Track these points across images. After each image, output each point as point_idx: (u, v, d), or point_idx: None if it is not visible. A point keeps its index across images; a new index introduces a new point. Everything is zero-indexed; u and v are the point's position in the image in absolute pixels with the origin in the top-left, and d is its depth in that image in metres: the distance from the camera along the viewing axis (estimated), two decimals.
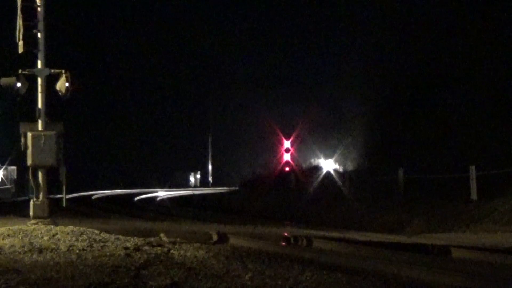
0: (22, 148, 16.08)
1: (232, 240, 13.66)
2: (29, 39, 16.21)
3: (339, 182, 31.78)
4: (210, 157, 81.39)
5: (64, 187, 16.35)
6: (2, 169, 47.63)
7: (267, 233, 16.60)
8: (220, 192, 50.71)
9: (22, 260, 10.03)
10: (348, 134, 36.74)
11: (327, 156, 37.93)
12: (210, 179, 79.55)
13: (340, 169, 35.40)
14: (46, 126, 16.11)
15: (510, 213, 18.05)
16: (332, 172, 35.00)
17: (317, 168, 36.54)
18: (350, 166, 34.89)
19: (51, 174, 16.50)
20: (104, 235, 13.21)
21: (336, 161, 37.19)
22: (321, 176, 34.42)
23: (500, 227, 17.23)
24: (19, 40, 16.19)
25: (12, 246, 11.45)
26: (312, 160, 39.09)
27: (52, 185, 16.82)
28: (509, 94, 26.55)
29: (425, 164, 27.49)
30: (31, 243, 11.74)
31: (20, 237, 12.69)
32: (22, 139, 16.00)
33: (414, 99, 31.99)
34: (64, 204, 16.50)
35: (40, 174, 16.14)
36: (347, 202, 27.33)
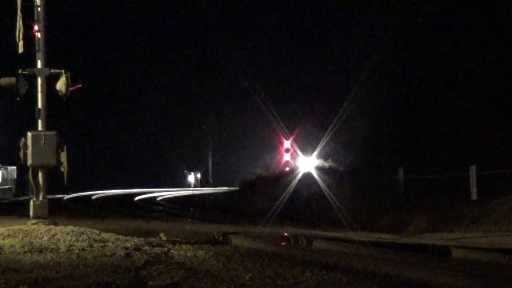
0: (22, 161, 16.03)
1: (232, 240, 13.66)
2: (29, 39, 16.21)
3: (339, 182, 31.79)
4: (210, 157, 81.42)
5: (66, 170, 16.06)
6: (1, 169, 47.64)
7: (267, 233, 16.60)
8: (220, 192, 50.75)
9: (22, 260, 10.03)
10: (349, 134, 36.72)
11: (325, 156, 37.93)
12: (210, 179, 79.61)
13: (340, 168, 35.40)
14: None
15: (510, 213, 18.05)
16: (331, 171, 35.02)
17: (317, 168, 36.56)
18: (350, 166, 34.88)
19: (51, 174, 16.45)
20: (104, 235, 13.21)
21: (335, 161, 37.19)
22: (321, 176, 34.42)
23: (500, 227, 17.23)
24: (19, 40, 16.18)
25: (12, 246, 11.45)
26: (313, 160, 39.07)
27: (55, 181, 16.67)
28: (509, 94, 26.54)
29: (425, 164, 27.49)
30: (31, 243, 11.74)
31: (20, 237, 12.69)
32: (21, 153, 15.91)
33: (414, 99, 31.98)
34: (65, 182, 16.18)
35: (40, 174, 16.12)
36: (346, 201, 27.31)
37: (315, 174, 35.42)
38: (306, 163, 39.32)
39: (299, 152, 41.11)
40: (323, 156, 38.40)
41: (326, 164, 37.40)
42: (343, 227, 20.09)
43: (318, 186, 32.94)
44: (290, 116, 44.68)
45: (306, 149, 40.46)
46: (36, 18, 16.26)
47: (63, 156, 16.00)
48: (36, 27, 16.17)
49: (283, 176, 38.13)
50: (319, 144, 37.91)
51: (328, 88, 44.20)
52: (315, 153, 39.15)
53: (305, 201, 30.59)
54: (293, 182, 35.38)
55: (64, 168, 16.02)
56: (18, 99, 16.23)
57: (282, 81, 65.69)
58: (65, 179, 16.14)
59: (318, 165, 37.46)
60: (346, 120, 34.73)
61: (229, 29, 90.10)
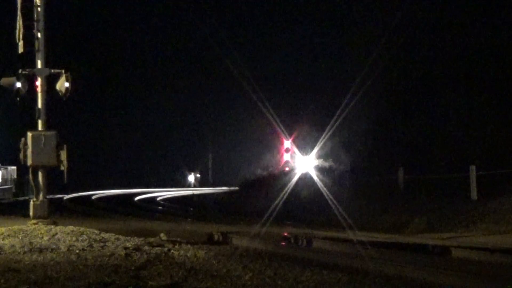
0: (22, 162, 16.04)
1: (232, 240, 13.66)
2: (29, 39, 16.21)
3: (339, 182, 31.78)
4: (210, 157, 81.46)
5: (65, 168, 16.02)
6: (1, 169, 47.64)
7: (267, 233, 16.59)
8: (220, 192, 50.76)
9: (22, 260, 10.02)
10: (348, 134, 36.72)
11: (325, 156, 37.91)
12: (210, 179, 79.63)
13: (340, 168, 35.38)
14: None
15: (510, 213, 18.05)
16: (331, 171, 35.00)
17: (317, 168, 36.55)
18: (349, 166, 34.87)
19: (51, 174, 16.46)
20: (104, 235, 13.21)
21: (334, 161, 37.17)
22: (321, 175, 34.41)
23: (500, 227, 17.23)
24: (19, 40, 16.19)
25: (12, 246, 11.45)
26: (313, 160, 39.05)
27: (55, 181, 16.67)
28: (509, 94, 26.55)
29: (425, 164, 27.49)
30: (31, 243, 11.74)
31: (20, 237, 12.69)
32: (22, 153, 15.92)
33: (414, 99, 31.97)
34: (65, 180, 16.14)
35: (40, 174, 16.12)
36: (346, 201, 27.30)
37: (315, 174, 35.44)
38: (306, 163, 39.33)
39: (300, 152, 41.13)
40: (323, 156, 38.40)
41: (326, 164, 37.39)
42: (343, 227, 20.08)
43: (318, 186, 32.95)
44: (290, 116, 44.67)
45: (306, 149, 40.47)
46: (36, 18, 16.27)
47: (63, 154, 16.00)
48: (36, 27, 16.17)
49: (283, 176, 38.13)
50: (319, 144, 37.93)
51: (327, 87, 44.18)
52: (315, 153, 39.15)
53: (305, 201, 30.57)
54: (292, 182, 35.39)
55: (64, 166, 16.02)
56: (18, 99, 16.24)
57: (281, 80, 65.70)
58: (65, 177, 16.13)
59: (318, 165, 37.47)
60: (346, 120, 34.73)
61: (229, 31, 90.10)
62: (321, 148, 38.35)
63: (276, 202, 31.74)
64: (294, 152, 40.71)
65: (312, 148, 39.27)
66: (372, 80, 33.11)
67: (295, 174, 36.76)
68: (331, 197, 29.37)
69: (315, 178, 34.65)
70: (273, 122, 40.26)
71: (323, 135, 36.81)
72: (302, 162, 39.86)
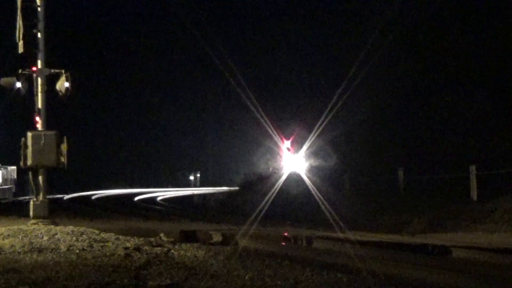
0: (22, 163, 16.05)
1: (232, 240, 13.66)
2: (29, 39, 16.23)
3: (338, 182, 31.77)
4: (210, 157, 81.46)
5: (65, 160, 16.00)
6: (1, 169, 47.67)
7: (267, 233, 16.59)
8: (220, 192, 50.78)
9: (22, 260, 10.02)
10: (348, 134, 36.72)
11: (325, 156, 37.92)
12: (210, 179, 79.66)
13: (340, 168, 35.37)
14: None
15: (510, 213, 18.05)
16: (330, 171, 35.00)
17: (317, 168, 36.56)
18: (349, 166, 34.86)
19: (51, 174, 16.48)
20: (104, 235, 13.21)
21: (334, 161, 37.18)
22: (321, 175, 34.41)
23: (500, 227, 17.23)
24: (19, 40, 16.20)
25: (12, 246, 11.45)
26: (313, 160, 39.05)
27: (55, 181, 16.74)
28: (509, 94, 26.54)
29: (425, 164, 27.49)
30: (31, 243, 11.74)
31: (20, 237, 12.69)
32: (21, 153, 15.93)
33: (414, 99, 31.96)
34: (65, 166, 16.07)
35: (40, 174, 16.13)
36: (346, 202, 27.31)
37: (315, 173, 35.45)
38: (306, 163, 39.36)
39: (300, 152, 41.14)
40: (323, 156, 38.41)
41: (326, 164, 37.40)
42: (342, 227, 20.09)
43: (318, 186, 32.96)
44: (289, 116, 44.67)
45: (306, 149, 40.48)
46: (36, 18, 16.28)
47: (63, 147, 16.02)
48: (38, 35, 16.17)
49: (281, 176, 38.13)
50: (318, 144, 37.95)
51: (326, 87, 44.16)
52: (315, 153, 39.16)
53: (302, 201, 30.56)
54: (292, 181, 35.39)
55: (64, 158, 16.02)
56: (18, 99, 16.28)
57: (277, 79, 65.54)
58: (65, 164, 16.06)
59: (318, 165, 37.48)
60: (345, 120, 34.73)
61: (228, 28, 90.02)
62: (321, 148, 38.35)
63: (276, 202, 31.75)
64: (294, 152, 40.71)
65: (313, 148, 39.30)
66: (372, 79, 33.11)
67: (296, 173, 36.78)
68: (331, 197, 29.39)
69: (316, 178, 34.67)
70: (273, 122, 40.28)
71: (322, 136, 36.79)
72: (302, 162, 39.88)
